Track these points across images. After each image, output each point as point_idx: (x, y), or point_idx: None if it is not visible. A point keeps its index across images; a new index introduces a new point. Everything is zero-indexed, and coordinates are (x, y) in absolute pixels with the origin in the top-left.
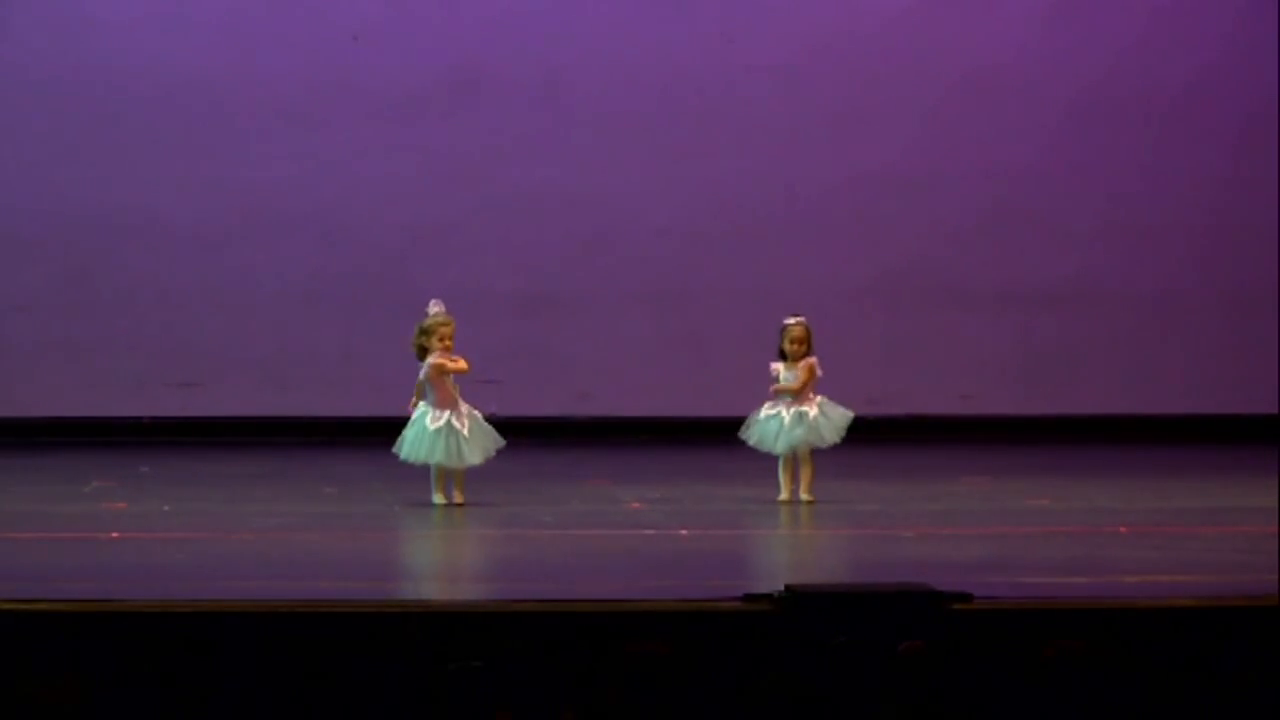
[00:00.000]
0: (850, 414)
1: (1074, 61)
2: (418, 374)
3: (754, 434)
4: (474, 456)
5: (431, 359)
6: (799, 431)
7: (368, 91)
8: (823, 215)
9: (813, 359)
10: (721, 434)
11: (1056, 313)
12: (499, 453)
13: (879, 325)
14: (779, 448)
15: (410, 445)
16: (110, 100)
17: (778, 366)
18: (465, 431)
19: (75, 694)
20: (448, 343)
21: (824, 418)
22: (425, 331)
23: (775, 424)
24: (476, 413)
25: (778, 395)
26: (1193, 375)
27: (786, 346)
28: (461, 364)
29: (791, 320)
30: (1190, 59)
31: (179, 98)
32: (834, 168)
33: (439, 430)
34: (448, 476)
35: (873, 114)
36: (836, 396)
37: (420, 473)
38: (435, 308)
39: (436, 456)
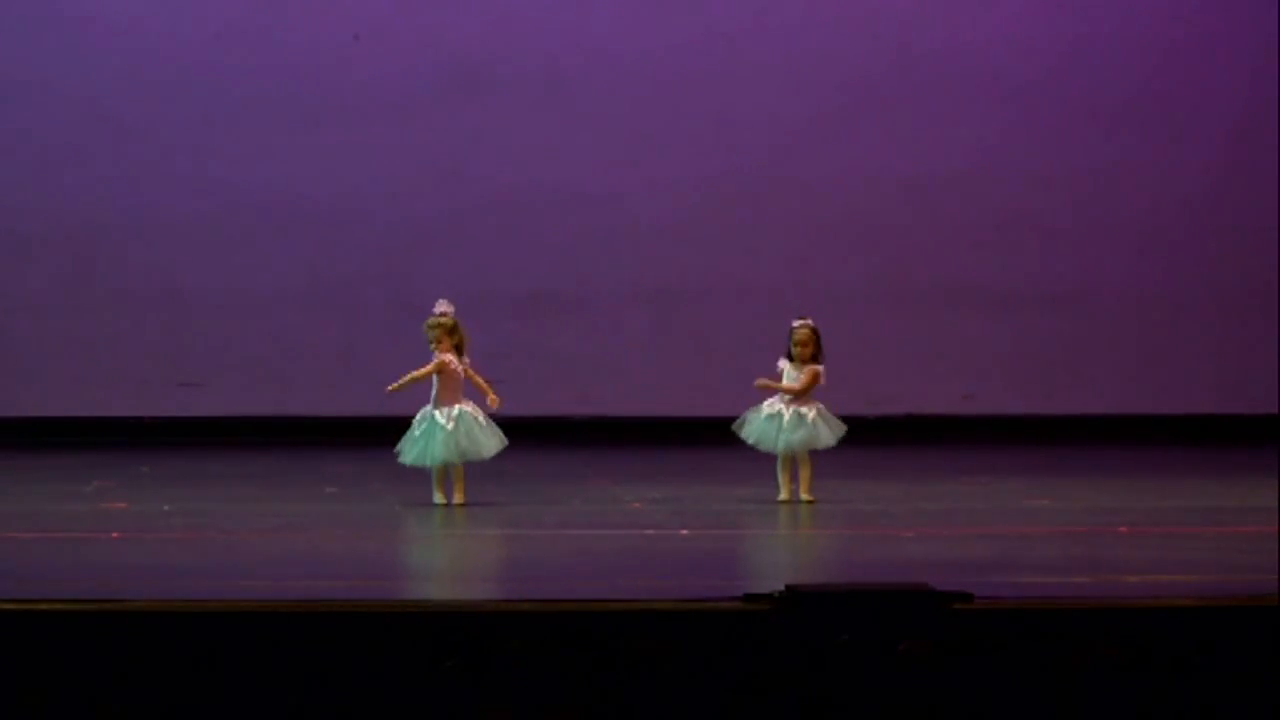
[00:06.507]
0: (844, 428)
1: (1075, 62)
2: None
3: (753, 432)
4: (405, 457)
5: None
6: (800, 433)
7: (368, 91)
8: (823, 215)
9: (818, 366)
10: (721, 434)
11: (1056, 313)
12: (464, 462)
13: (879, 325)
14: (778, 448)
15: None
16: (110, 100)
17: (785, 364)
18: (416, 432)
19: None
20: (443, 344)
21: (822, 420)
22: (427, 329)
23: (775, 424)
24: (442, 419)
25: (770, 391)
26: (1193, 375)
27: (792, 348)
28: (418, 372)
29: (798, 322)
30: (1190, 59)
31: (179, 98)
32: (834, 168)
33: (413, 427)
34: (447, 477)
35: (873, 114)
36: (837, 396)
37: (420, 473)
38: (440, 307)
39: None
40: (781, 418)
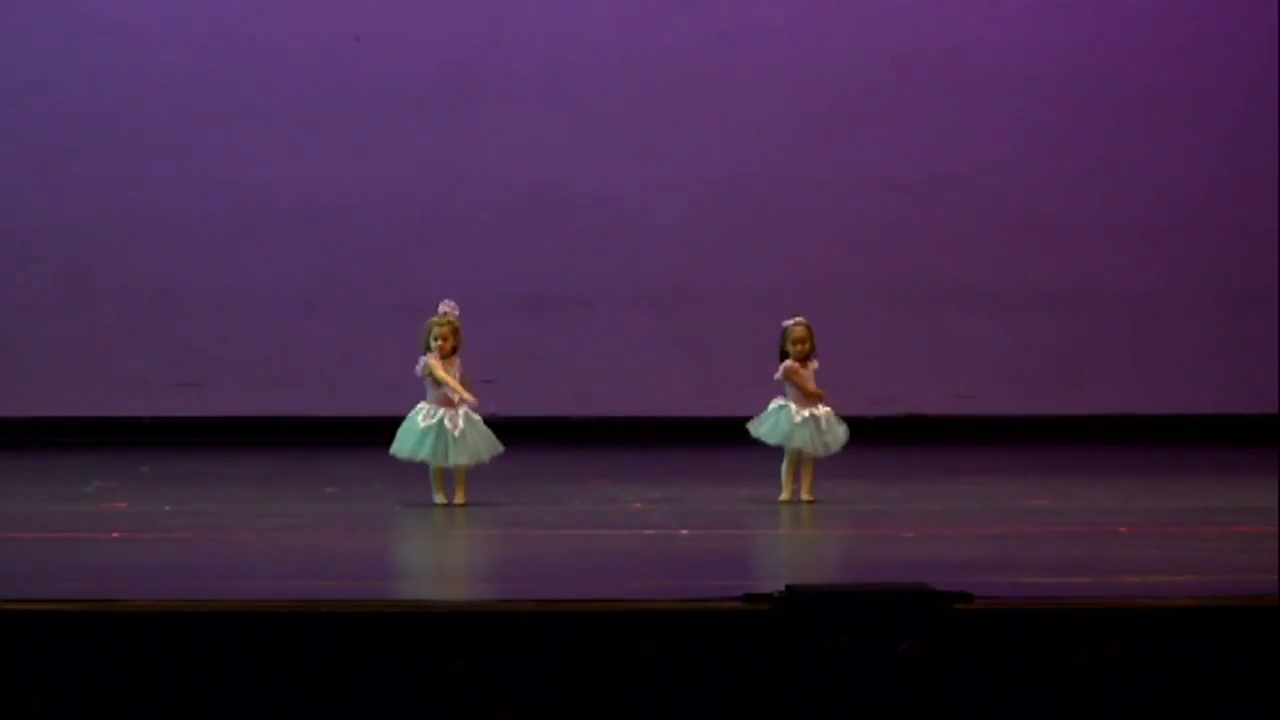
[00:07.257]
0: None
1: (1074, 61)
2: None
3: (797, 437)
4: (460, 457)
5: (428, 358)
6: (840, 430)
7: (368, 91)
8: (823, 215)
9: (815, 363)
10: (721, 434)
11: (1056, 313)
12: (496, 458)
13: (879, 325)
14: (831, 449)
15: (399, 440)
16: (110, 100)
17: (795, 365)
18: (455, 432)
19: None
20: (443, 343)
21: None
22: (426, 329)
23: (814, 426)
24: (475, 416)
25: (806, 399)
26: (1193, 375)
27: (789, 347)
28: (460, 390)
29: (791, 321)
30: (1190, 59)
31: (179, 98)
32: (834, 168)
33: (429, 428)
34: (447, 476)
35: (873, 114)
36: (837, 396)
37: (420, 472)
38: (444, 307)
39: (422, 453)
40: (818, 420)
